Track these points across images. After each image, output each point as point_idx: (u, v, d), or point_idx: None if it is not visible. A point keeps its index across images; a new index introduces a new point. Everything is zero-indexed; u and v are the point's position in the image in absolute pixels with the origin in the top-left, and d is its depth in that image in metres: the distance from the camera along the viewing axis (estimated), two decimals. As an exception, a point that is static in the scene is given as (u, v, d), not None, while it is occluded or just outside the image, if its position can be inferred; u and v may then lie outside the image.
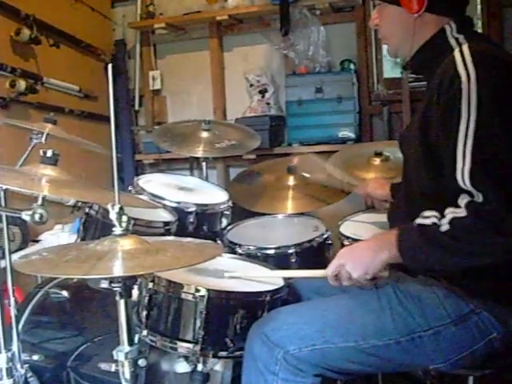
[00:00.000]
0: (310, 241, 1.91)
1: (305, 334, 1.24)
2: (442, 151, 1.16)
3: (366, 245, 1.27)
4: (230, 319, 1.35)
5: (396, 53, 1.39)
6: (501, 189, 1.06)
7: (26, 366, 1.58)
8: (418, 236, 1.14)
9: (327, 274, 1.29)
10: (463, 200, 1.11)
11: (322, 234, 1.96)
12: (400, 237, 1.18)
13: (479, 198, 1.08)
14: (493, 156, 1.09)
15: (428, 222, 1.14)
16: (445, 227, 1.11)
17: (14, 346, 1.52)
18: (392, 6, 1.31)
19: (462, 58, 1.15)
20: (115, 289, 1.03)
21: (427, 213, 1.15)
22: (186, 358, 1.41)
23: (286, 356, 1.23)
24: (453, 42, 1.24)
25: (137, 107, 3.70)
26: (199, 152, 2.32)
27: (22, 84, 2.66)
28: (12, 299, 1.58)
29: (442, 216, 1.12)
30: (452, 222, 1.10)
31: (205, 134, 2.38)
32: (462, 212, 1.10)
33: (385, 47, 2.98)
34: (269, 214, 2.20)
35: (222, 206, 2.11)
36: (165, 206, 1.94)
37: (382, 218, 1.83)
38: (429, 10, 1.27)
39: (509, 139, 1.08)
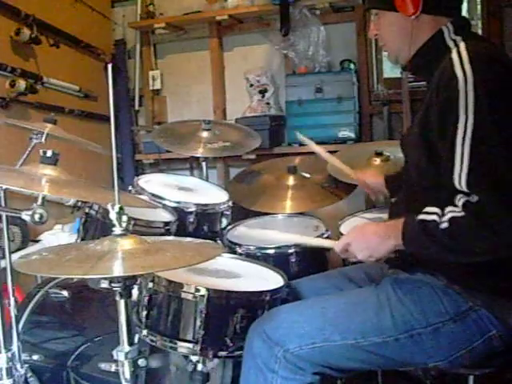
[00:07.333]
0: (310, 241, 1.91)
1: (304, 332, 1.25)
2: (440, 150, 1.18)
3: (374, 230, 1.29)
4: (230, 319, 1.35)
5: (396, 58, 1.40)
6: (495, 191, 1.08)
7: (26, 365, 1.57)
8: (419, 230, 1.17)
9: (335, 248, 1.35)
10: (460, 200, 1.13)
11: (322, 234, 1.96)
12: (404, 227, 1.21)
13: (474, 198, 1.11)
14: (489, 159, 1.10)
15: (429, 218, 1.16)
16: (444, 225, 1.13)
17: (14, 346, 1.52)
18: (389, 12, 1.33)
19: (460, 58, 1.16)
20: (115, 289, 1.03)
21: (430, 209, 1.18)
22: (186, 357, 1.41)
23: (286, 354, 1.23)
24: (451, 43, 1.25)
25: (137, 107, 3.70)
26: (199, 152, 2.32)
27: (21, 84, 2.66)
28: (12, 299, 1.58)
29: (443, 214, 1.15)
30: (451, 220, 1.13)
31: (205, 134, 2.38)
32: (460, 211, 1.13)
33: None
34: (268, 214, 2.20)
35: (222, 206, 2.10)
36: (165, 206, 1.93)
37: (383, 217, 1.84)
38: (425, 11, 1.28)
39: (505, 141, 1.10)
